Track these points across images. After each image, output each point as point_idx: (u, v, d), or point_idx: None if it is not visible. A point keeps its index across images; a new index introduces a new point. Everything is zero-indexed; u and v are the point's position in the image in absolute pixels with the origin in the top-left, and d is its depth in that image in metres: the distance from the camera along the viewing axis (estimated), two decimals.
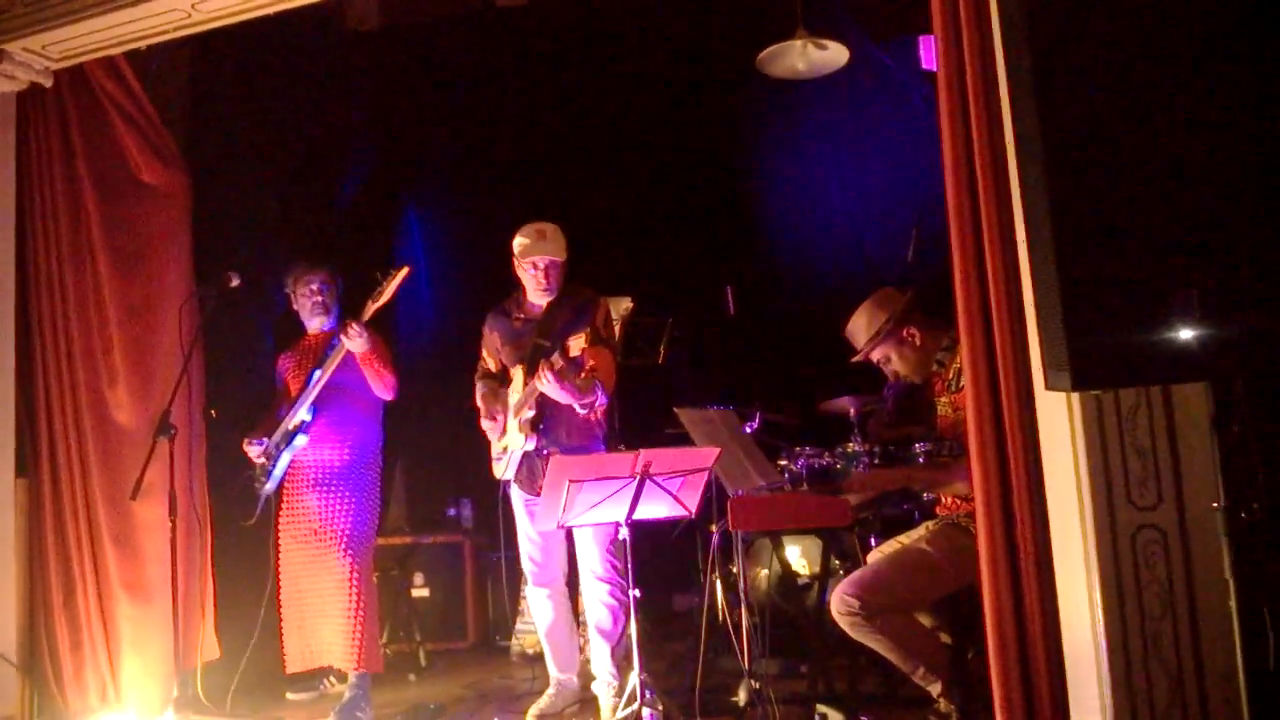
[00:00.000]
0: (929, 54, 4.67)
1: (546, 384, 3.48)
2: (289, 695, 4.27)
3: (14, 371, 3.92)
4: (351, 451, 3.98)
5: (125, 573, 3.92)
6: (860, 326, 3.26)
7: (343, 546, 3.86)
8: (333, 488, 3.94)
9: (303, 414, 3.90)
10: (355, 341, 3.76)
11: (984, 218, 2.38)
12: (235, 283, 3.90)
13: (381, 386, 3.94)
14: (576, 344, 3.43)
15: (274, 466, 3.92)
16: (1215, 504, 1.69)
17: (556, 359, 3.47)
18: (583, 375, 3.59)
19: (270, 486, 3.94)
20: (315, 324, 4.12)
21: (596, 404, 3.65)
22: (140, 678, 3.90)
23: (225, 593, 4.23)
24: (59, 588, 3.89)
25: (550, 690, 3.81)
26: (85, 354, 3.99)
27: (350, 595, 3.83)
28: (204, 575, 4.15)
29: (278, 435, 3.93)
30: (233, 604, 4.20)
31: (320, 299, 4.07)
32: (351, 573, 3.84)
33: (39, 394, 3.96)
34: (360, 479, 3.98)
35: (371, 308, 3.76)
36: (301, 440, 3.89)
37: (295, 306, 4.16)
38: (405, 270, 3.73)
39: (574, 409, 3.64)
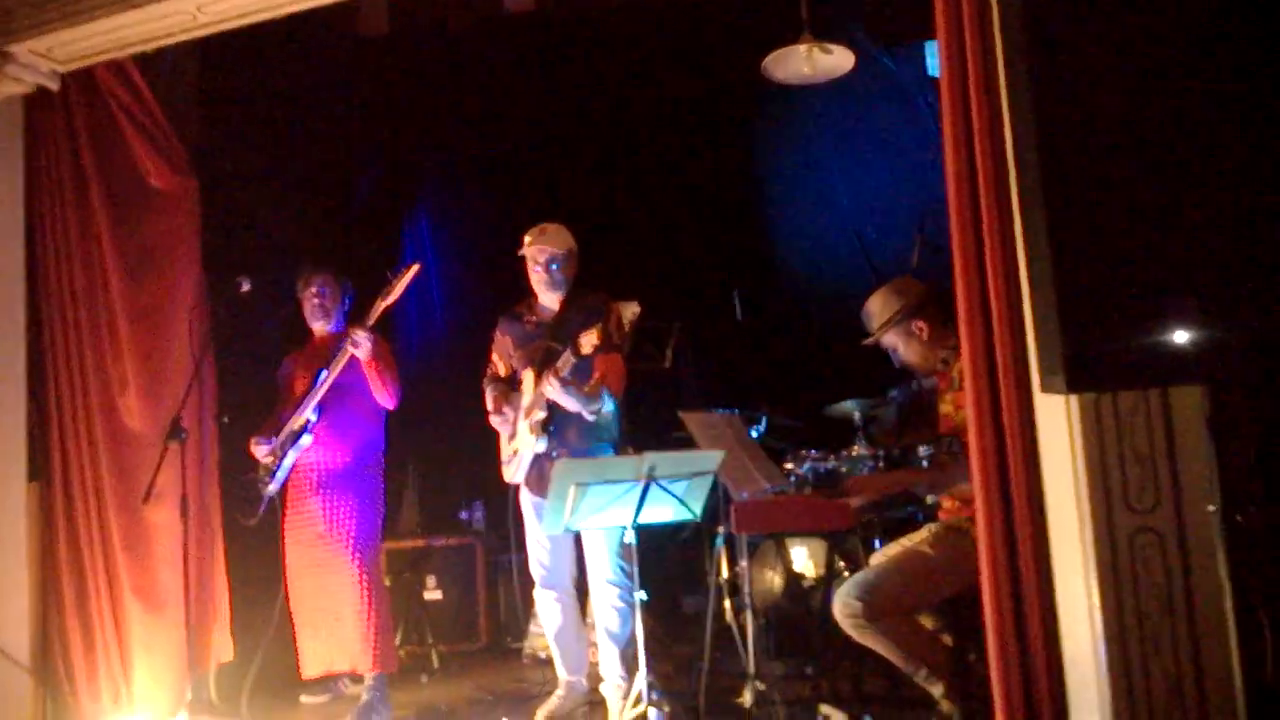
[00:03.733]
0: (933, 59, 4.68)
1: (553, 390, 3.52)
2: (303, 699, 4.29)
3: (25, 377, 3.93)
4: (354, 454, 4.01)
5: (136, 577, 3.93)
6: (874, 311, 3.27)
7: (350, 549, 3.89)
8: (336, 490, 3.97)
9: (308, 414, 3.92)
10: (361, 348, 3.79)
11: (984, 220, 2.40)
12: (246, 288, 3.90)
13: (384, 394, 3.95)
14: (588, 341, 3.44)
15: (279, 466, 3.95)
16: (1210, 507, 1.69)
17: (564, 362, 3.50)
18: (591, 383, 3.62)
19: (274, 487, 3.96)
20: (318, 326, 4.15)
21: (603, 410, 3.68)
22: (153, 681, 3.91)
23: (237, 596, 4.26)
24: (72, 592, 3.90)
25: (559, 692, 3.83)
26: (96, 360, 3.99)
27: (362, 597, 3.86)
28: (215, 578, 4.18)
29: (284, 435, 3.95)
30: (245, 607, 4.23)
31: (320, 302, 4.10)
32: (361, 575, 3.87)
33: (50, 399, 3.97)
34: (363, 482, 4.01)
35: (380, 306, 3.77)
36: (306, 440, 3.91)
37: (304, 311, 4.19)
38: (415, 267, 3.74)
39: (582, 413, 3.66)
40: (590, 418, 3.66)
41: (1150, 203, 1.64)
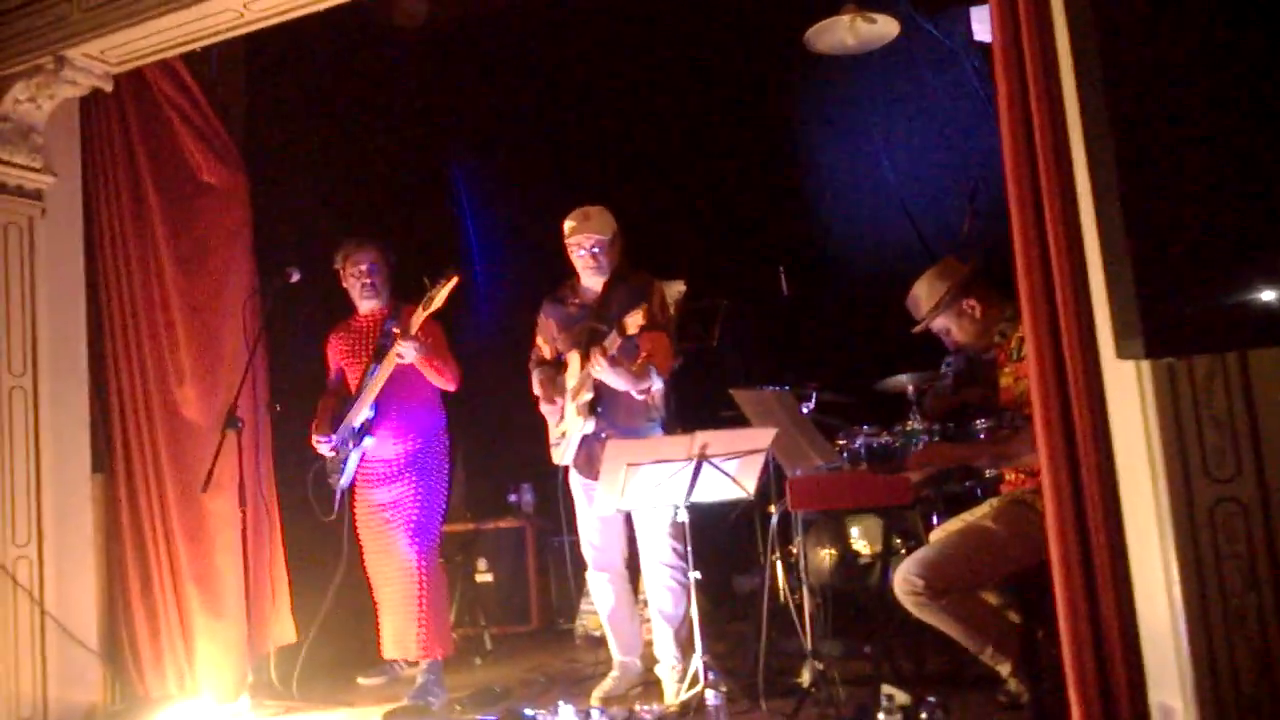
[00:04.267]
0: (979, 24, 4.56)
1: (600, 369, 3.49)
2: (360, 680, 4.34)
3: (87, 372, 4.02)
4: (416, 440, 3.99)
5: (196, 563, 4.02)
6: (921, 297, 3.20)
7: (410, 533, 3.89)
8: (402, 478, 3.95)
9: (365, 412, 3.89)
10: (408, 358, 3.76)
11: (1043, 182, 2.31)
12: (295, 278, 3.94)
13: (442, 382, 3.93)
14: (634, 321, 3.41)
15: (345, 463, 3.94)
16: None
17: (611, 342, 3.47)
18: (638, 361, 3.59)
19: (344, 482, 3.96)
20: (365, 306, 4.08)
21: (652, 389, 3.65)
22: (215, 665, 4.00)
23: (294, 581, 4.32)
24: (137, 579, 4.00)
25: (614, 673, 3.82)
26: (153, 353, 4.08)
27: (417, 583, 3.86)
28: (273, 564, 4.24)
29: (344, 431, 3.94)
30: (301, 592, 4.29)
31: (370, 280, 4.01)
32: (419, 560, 3.87)
33: (111, 393, 4.07)
34: (428, 463, 3.98)
35: (422, 315, 3.72)
36: (369, 442, 3.90)
37: (345, 285, 4.11)
38: (455, 279, 3.67)
39: (630, 392, 3.64)
40: (639, 397, 3.64)
41: (1230, 153, 1.55)
